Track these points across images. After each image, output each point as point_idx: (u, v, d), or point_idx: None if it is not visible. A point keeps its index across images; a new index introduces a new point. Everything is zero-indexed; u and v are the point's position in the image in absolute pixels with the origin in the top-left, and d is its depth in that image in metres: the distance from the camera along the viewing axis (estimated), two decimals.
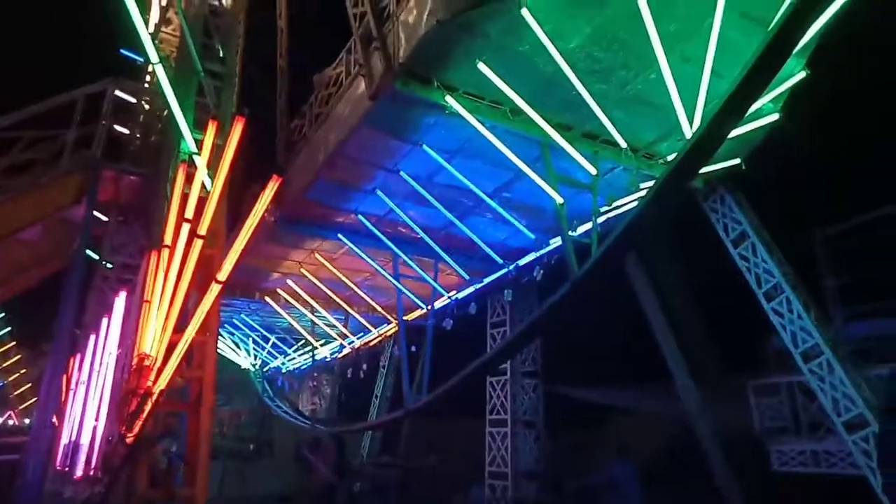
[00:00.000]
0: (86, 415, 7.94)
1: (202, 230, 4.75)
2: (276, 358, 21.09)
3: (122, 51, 13.45)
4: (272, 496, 16.54)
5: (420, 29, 6.88)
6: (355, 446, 17.39)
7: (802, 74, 7.99)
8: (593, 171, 8.53)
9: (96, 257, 11.83)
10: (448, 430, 15.26)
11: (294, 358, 20.83)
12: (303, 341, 18.77)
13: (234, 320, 18.09)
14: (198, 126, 8.14)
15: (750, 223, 9.55)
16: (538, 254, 12.01)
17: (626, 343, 12.52)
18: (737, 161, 9.33)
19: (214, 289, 4.33)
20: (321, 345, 18.69)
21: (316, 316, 15.89)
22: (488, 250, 11.63)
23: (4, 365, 22.95)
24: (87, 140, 12.08)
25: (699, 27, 6.73)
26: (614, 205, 10.18)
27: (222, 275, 4.24)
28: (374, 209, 11.11)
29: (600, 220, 9.57)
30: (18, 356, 23.27)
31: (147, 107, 14.01)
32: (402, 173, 9.73)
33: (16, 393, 23.04)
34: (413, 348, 13.23)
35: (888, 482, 6.68)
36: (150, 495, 4.59)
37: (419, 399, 11.45)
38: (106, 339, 8.29)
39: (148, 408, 4.31)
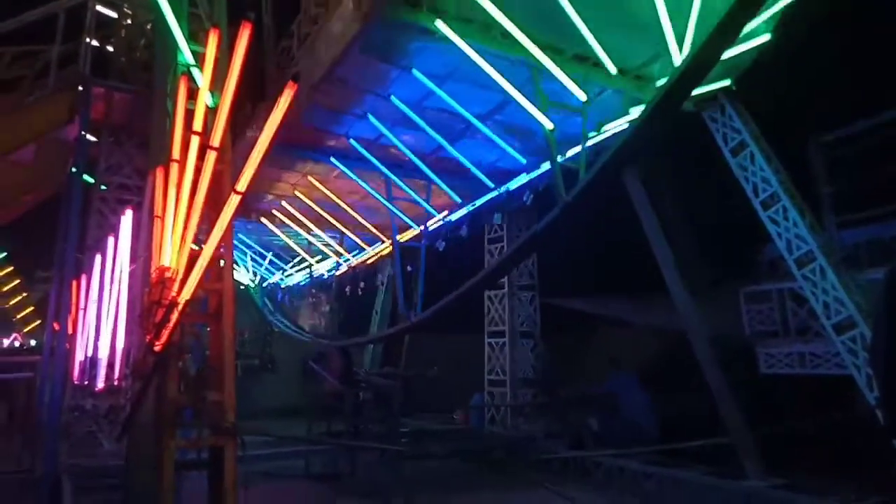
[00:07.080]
0: (101, 331, 8.17)
1: (215, 142, 4.72)
2: (273, 274, 21.41)
3: None
4: (278, 409, 17.15)
5: None
6: (358, 360, 17.96)
7: None
8: (583, 96, 8.50)
9: (91, 180, 11.71)
10: (449, 344, 15.76)
11: (292, 274, 21.12)
12: (299, 258, 19.04)
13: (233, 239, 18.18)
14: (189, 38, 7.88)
15: (749, 132, 9.54)
16: (528, 178, 12.12)
17: (622, 255, 12.74)
18: (727, 83, 9.24)
19: (233, 200, 4.36)
20: (317, 262, 18.98)
21: (312, 235, 16.02)
22: (478, 173, 11.59)
23: (4, 289, 23.14)
24: (70, 57, 11.68)
25: None
26: (604, 129, 10.17)
27: (241, 185, 4.26)
28: (365, 133, 11.04)
29: (590, 143, 9.62)
30: (17, 281, 23.44)
31: (129, 21, 13.46)
32: (392, 98, 9.67)
33: (19, 316, 23.38)
34: (409, 268, 13.52)
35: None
36: (181, 400, 4.81)
37: (416, 314, 11.77)
38: (115, 257, 8.38)
39: (174, 318, 4.45)
